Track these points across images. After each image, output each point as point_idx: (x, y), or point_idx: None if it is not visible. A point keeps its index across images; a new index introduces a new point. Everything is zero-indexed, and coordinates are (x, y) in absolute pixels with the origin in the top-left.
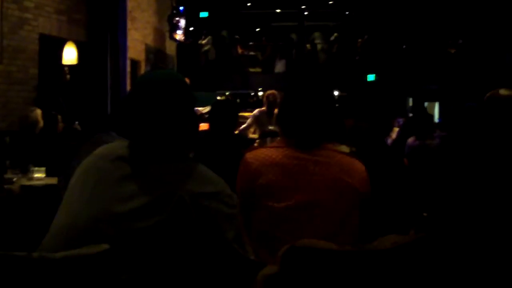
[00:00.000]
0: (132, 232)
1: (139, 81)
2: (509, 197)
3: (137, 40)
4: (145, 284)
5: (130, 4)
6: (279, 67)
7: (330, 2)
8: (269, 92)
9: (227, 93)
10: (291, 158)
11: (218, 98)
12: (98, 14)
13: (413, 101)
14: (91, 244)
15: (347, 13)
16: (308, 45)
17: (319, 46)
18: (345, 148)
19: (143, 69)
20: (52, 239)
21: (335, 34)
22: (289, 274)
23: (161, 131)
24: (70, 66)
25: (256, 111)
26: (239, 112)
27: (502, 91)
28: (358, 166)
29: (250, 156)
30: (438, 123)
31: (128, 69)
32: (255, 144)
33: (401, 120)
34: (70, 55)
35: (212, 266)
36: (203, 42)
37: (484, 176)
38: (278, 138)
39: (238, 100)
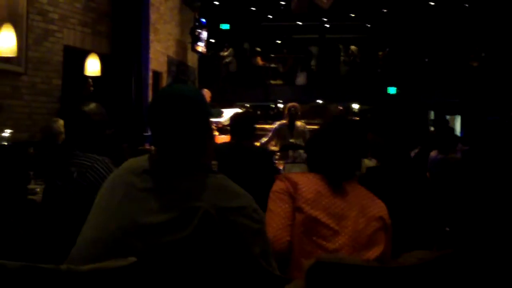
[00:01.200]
0: (159, 246)
1: (158, 95)
2: None
3: (159, 52)
4: None
5: (153, 16)
6: (300, 79)
7: (352, 15)
8: (290, 104)
9: (247, 105)
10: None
11: (238, 110)
12: (122, 26)
13: (435, 114)
14: (118, 257)
15: (368, 25)
16: (329, 58)
17: (340, 59)
18: (368, 162)
19: (165, 80)
20: (79, 251)
21: (352, 47)
22: None
23: (181, 145)
24: (93, 78)
25: (276, 123)
26: (258, 124)
27: None
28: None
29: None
30: (460, 136)
31: (150, 81)
32: (276, 156)
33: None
34: (93, 66)
35: (237, 281)
36: (225, 54)
37: (508, 190)
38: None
39: (258, 112)
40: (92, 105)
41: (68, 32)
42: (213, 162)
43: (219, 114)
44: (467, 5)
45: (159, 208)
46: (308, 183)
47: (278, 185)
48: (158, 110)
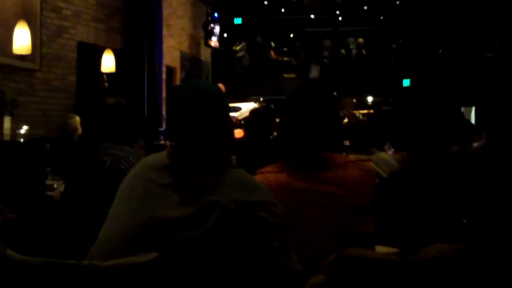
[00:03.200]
0: (180, 241)
1: (177, 92)
2: None
3: (173, 47)
4: None
5: (165, 11)
6: (314, 72)
7: (365, 7)
8: None
9: (261, 99)
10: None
11: (254, 104)
12: (135, 21)
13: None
14: (139, 253)
15: (381, 18)
16: (342, 50)
17: (353, 52)
18: (384, 155)
19: (178, 75)
20: (101, 247)
21: (360, 40)
22: (336, 283)
23: (201, 141)
24: (108, 74)
25: None
26: (276, 118)
27: None
28: (360, 177)
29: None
30: (475, 127)
31: (164, 76)
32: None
33: None
34: (108, 62)
35: (257, 275)
36: (238, 48)
37: None
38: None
39: (272, 106)
40: (120, 99)
41: (82, 28)
42: (232, 157)
43: (236, 110)
44: None
45: (179, 204)
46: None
47: None
48: (177, 106)
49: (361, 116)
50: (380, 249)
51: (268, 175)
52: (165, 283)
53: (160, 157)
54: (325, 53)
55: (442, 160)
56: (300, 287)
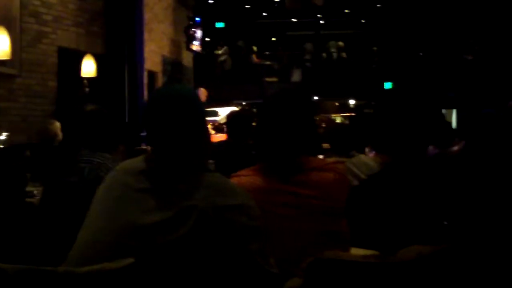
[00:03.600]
0: (156, 246)
1: (154, 96)
2: None
3: (154, 52)
4: None
5: (147, 16)
6: (296, 76)
7: (346, 11)
8: None
9: (244, 103)
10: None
11: (234, 108)
12: (116, 26)
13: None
14: (116, 258)
15: (363, 21)
16: (324, 54)
17: (335, 55)
18: (364, 158)
19: (160, 80)
20: (78, 252)
21: (340, 43)
22: (314, 286)
23: (177, 145)
24: (89, 79)
25: None
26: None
27: None
28: (336, 180)
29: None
30: (455, 130)
31: (145, 80)
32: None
33: None
34: (89, 67)
35: (235, 279)
36: (220, 52)
37: (504, 183)
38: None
39: (254, 110)
40: (99, 107)
41: (62, 33)
42: (210, 161)
43: (215, 114)
44: None
45: (155, 208)
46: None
47: None
48: (154, 110)
49: (338, 120)
50: (357, 251)
51: (243, 178)
52: None
53: (137, 161)
54: (307, 57)
55: (419, 162)
56: None
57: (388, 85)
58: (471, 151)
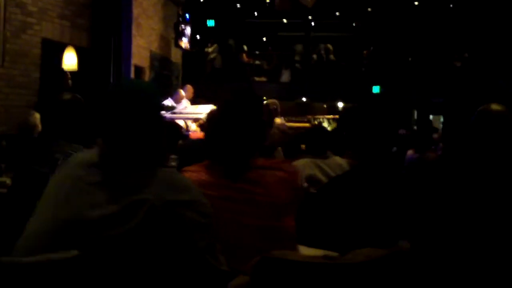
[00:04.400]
0: (103, 239)
1: (107, 90)
2: (488, 213)
3: (142, 47)
4: None
5: (136, 11)
6: (285, 77)
7: (337, 13)
8: (269, 101)
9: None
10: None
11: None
12: (102, 20)
13: (418, 114)
14: (62, 250)
15: (353, 24)
16: (314, 56)
17: (324, 58)
18: (339, 160)
19: (147, 75)
20: (26, 242)
21: (328, 45)
22: (260, 285)
23: (128, 139)
24: (72, 71)
25: None
26: None
27: (494, 106)
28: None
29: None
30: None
31: (132, 75)
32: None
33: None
34: (70, 60)
35: (183, 275)
36: (210, 50)
37: (466, 192)
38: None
39: None
40: (76, 95)
41: (47, 24)
42: (172, 156)
43: (172, 109)
44: (451, 5)
45: (105, 202)
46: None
47: None
48: (105, 104)
49: (325, 123)
50: (306, 250)
51: (192, 174)
52: (89, 281)
53: (91, 154)
54: (297, 58)
55: (381, 166)
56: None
57: (376, 89)
58: (446, 157)
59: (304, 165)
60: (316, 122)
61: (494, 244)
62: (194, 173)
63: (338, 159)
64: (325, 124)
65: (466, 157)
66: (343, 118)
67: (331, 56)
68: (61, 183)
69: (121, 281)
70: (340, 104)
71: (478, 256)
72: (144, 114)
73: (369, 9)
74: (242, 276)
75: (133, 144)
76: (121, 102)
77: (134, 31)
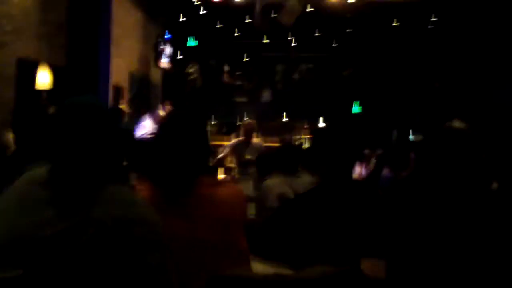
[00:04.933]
0: (50, 257)
1: (58, 107)
2: (444, 233)
3: (121, 67)
4: None
5: (115, 31)
6: (266, 96)
7: (317, 34)
8: (246, 121)
9: (213, 122)
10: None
11: None
12: (79, 39)
13: (397, 133)
14: (6, 268)
15: (334, 45)
16: (296, 76)
17: (305, 77)
18: (306, 177)
19: (126, 95)
20: None
21: (309, 66)
22: None
23: (77, 157)
24: (48, 91)
25: (234, 140)
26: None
27: (456, 123)
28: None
29: None
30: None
31: (110, 95)
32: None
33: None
34: (44, 79)
35: None
36: (190, 70)
37: (424, 210)
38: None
39: (224, 130)
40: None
41: (22, 44)
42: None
43: (131, 126)
44: (430, 27)
45: (53, 219)
46: None
47: None
48: (56, 121)
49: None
50: (259, 266)
51: (142, 190)
52: None
53: (41, 172)
54: (277, 78)
55: (342, 185)
56: None
57: (356, 109)
58: (413, 175)
59: (275, 184)
60: (296, 143)
61: (458, 256)
62: (144, 190)
63: (309, 177)
64: (306, 144)
65: (428, 174)
66: (315, 136)
67: (312, 76)
68: (10, 200)
69: None
70: (321, 124)
71: (446, 269)
72: (93, 131)
73: (348, 30)
74: None
75: (81, 161)
76: (66, 118)
77: (113, 51)
